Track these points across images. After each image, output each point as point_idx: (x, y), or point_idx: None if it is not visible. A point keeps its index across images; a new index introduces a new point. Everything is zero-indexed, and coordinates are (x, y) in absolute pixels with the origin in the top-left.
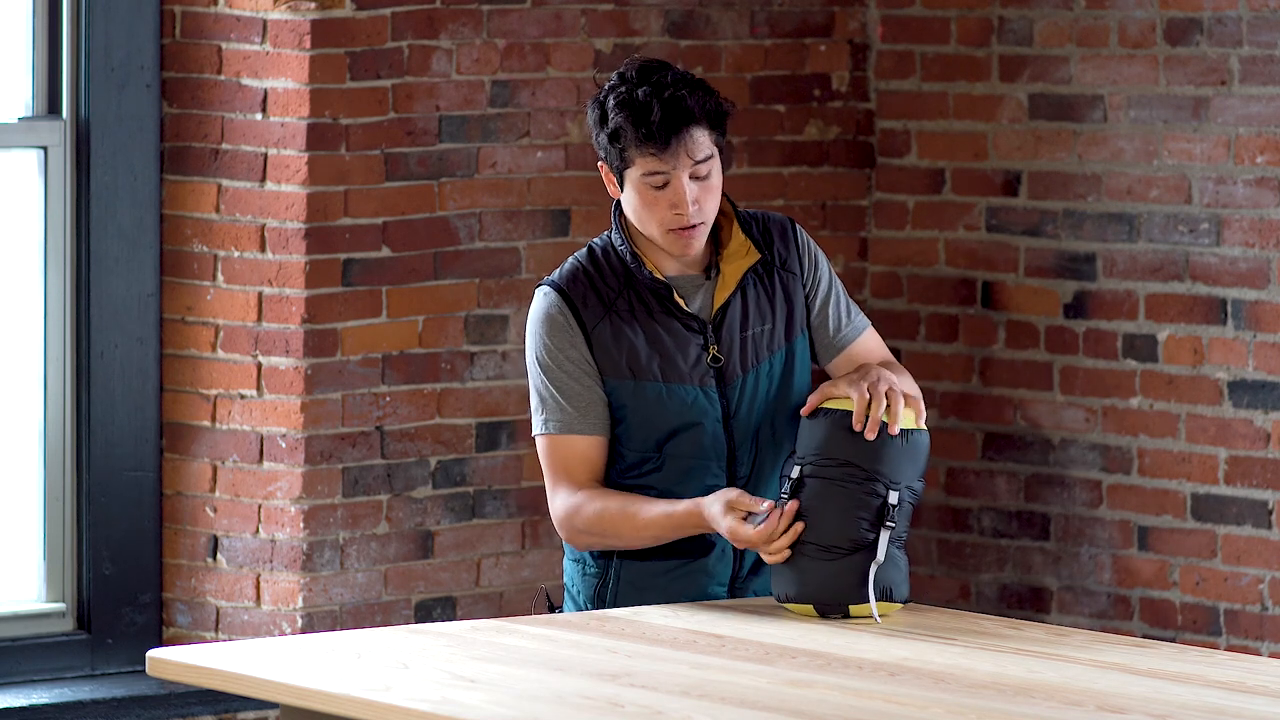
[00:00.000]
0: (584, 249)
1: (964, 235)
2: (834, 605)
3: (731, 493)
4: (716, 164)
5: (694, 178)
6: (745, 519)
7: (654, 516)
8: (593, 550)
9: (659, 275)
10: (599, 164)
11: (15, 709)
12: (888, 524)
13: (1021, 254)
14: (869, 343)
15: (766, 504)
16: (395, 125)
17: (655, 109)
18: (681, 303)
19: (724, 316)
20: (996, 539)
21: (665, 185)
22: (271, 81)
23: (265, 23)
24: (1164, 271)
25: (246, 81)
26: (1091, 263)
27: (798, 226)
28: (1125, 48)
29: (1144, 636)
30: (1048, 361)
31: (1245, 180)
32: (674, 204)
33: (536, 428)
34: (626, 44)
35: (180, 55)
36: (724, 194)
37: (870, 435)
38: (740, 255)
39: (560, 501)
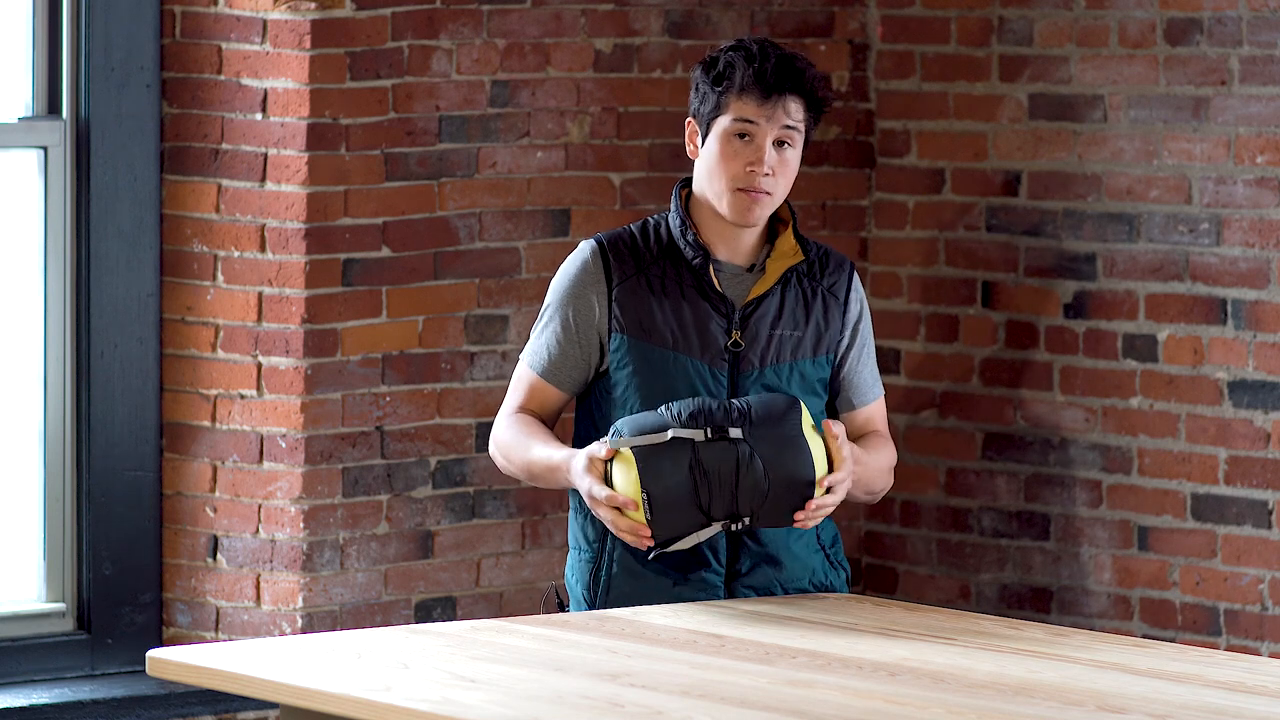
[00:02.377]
0: (639, 220)
1: (964, 235)
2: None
3: (597, 446)
4: (799, 146)
5: (777, 145)
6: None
7: (536, 455)
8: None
9: (702, 240)
10: (686, 121)
11: (15, 709)
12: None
13: (1021, 254)
14: (873, 413)
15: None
16: (395, 125)
17: (772, 59)
18: (715, 280)
19: (757, 308)
20: (996, 539)
21: (749, 140)
22: (271, 81)
23: (265, 23)
24: (1164, 271)
25: (246, 81)
26: (1091, 263)
27: (856, 272)
28: (1125, 48)
29: (1144, 636)
30: (1048, 361)
31: (1245, 180)
32: (752, 161)
33: (524, 352)
34: (626, 44)
35: (180, 55)
36: (788, 203)
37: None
38: (788, 256)
39: (499, 418)
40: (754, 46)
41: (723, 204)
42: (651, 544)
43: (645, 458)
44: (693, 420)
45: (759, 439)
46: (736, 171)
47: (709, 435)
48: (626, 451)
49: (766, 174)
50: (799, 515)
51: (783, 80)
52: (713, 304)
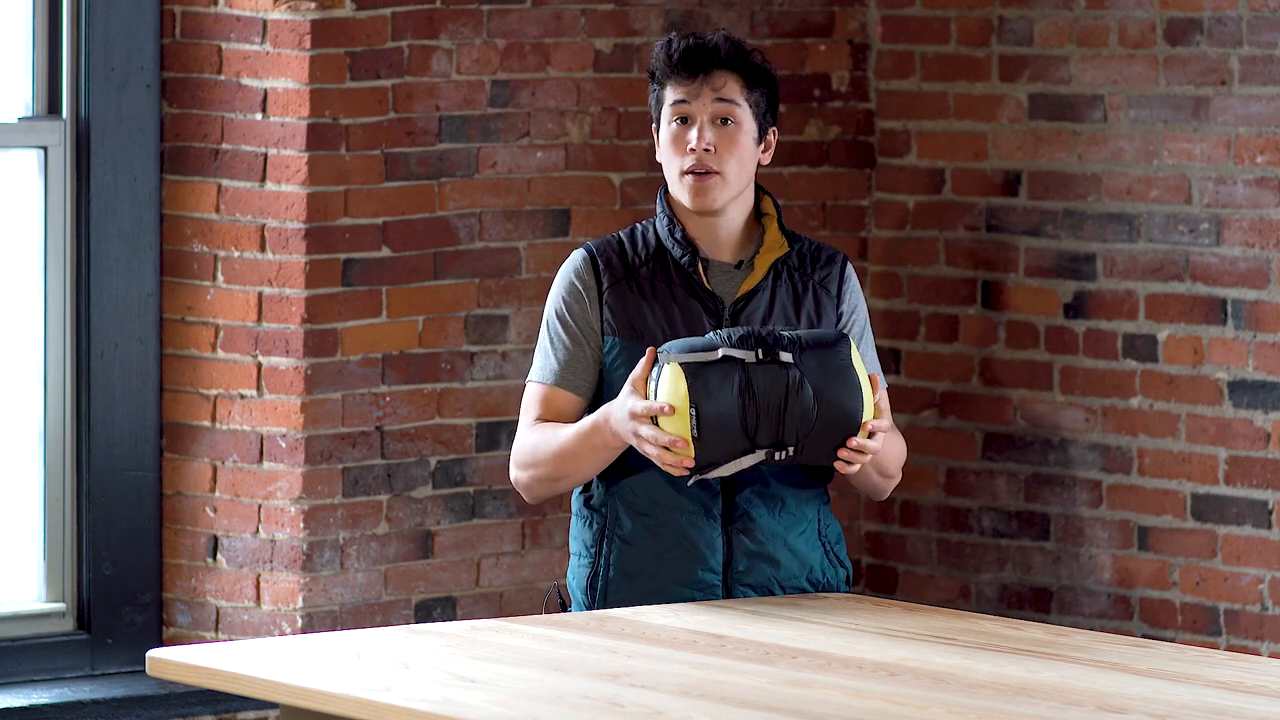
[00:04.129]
0: (628, 227)
1: (964, 235)
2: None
3: (639, 368)
4: (745, 121)
5: (716, 122)
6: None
7: (565, 434)
8: (554, 493)
9: (689, 236)
10: (652, 126)
11: (15, 709)
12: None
13: (1021, 254)
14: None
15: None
16: (395, 125)
17: (689, 39)
18: (704, 279)
19: (747, 304)
20: (996, 539)
21: (688, 123)
22: (271, 81)
23: (265, 23)
24: (1164, 271)
25: (246, 81)
26: (1091, 263)
27: (850, 266)
28: (1125, 48)
29: (1144, 636)
30: (1048, 361)
31: (1245, 180)
32: (691, 140)
33: (530, 375)
34: (626, 44)
35: (180, 55)
36: (771, 196)
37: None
38: (775, 250)
39: (516, 441)
40: (674, 34)
41: (681, 192)
42: (692, 465)
43: (695, 374)
44: (743, 343)
45: (809, 366)
46: (683, 156)
47: (759, 357)
48: (676, 366)
49: (707, 150)
50: (842, 453)
51: (701, 54)
52: (702, 303)
